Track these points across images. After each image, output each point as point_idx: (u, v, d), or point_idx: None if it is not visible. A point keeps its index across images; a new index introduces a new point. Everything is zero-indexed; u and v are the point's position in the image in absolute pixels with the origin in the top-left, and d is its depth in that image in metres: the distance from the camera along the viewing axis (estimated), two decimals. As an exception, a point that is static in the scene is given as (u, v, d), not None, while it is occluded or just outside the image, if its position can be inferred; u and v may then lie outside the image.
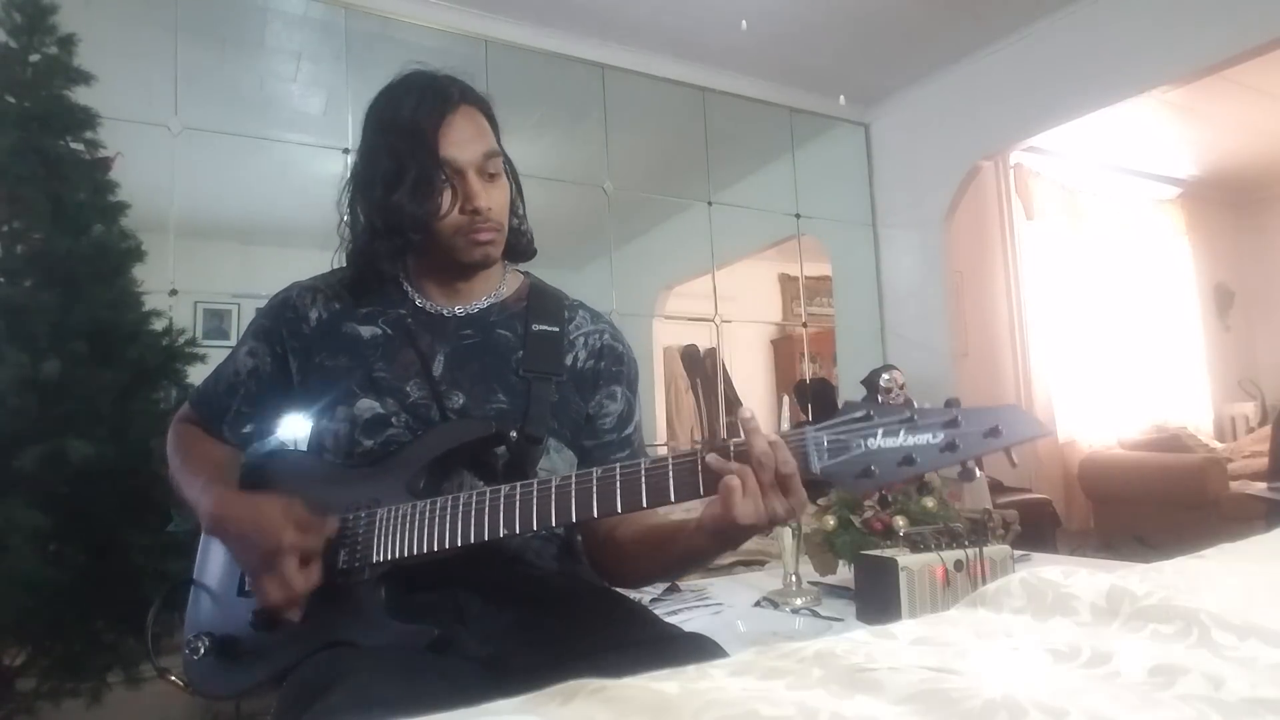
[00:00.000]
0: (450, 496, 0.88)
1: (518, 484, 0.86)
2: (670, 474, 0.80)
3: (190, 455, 1.04)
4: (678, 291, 5.00)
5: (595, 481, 0.82)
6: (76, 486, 1.74)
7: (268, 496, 0.92)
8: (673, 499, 0.80)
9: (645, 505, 0.80)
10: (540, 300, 1.08)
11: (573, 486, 0.83)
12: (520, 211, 1.09)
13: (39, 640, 1.82)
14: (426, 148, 0.94)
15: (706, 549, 0.89)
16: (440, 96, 0.97)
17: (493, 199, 0.98)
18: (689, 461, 0.80)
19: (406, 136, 0.95)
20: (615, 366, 1.07)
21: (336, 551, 0.90)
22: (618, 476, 0.81)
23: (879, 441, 0.75)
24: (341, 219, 1.03)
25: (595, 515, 0.83)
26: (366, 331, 1.01)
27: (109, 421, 1.82)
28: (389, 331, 1.01)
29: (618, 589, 1.03)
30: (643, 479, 0.81)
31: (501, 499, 0.85)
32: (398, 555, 0.87)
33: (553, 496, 0.83)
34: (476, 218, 0.96)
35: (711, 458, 0.78)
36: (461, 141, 0.96)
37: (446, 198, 0.95)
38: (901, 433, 0.75)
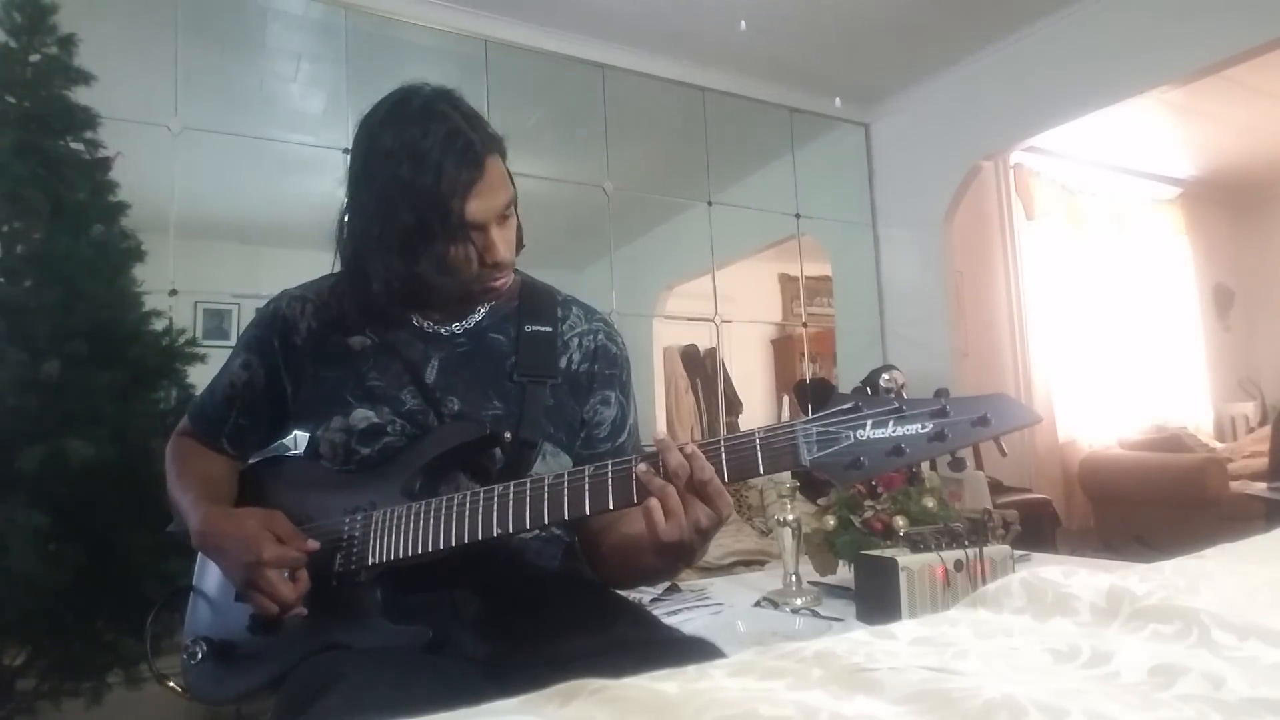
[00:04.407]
0: (444, 497, 0.88)
1: (510, 483, 0.86)
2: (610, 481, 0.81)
3: (184, 470, 1.04)
4: (678, 291, 5.00)
5: (586, 480, 0.83)
6: (76, 486, 1.73)
7: (250, 511, 0.92)
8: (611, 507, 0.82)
9: (611, 508, 0.82)
10: (532, 299, 1.07)
11: (565, 485, 0.83)
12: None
13: (39, 640, 1.82)
14: (455, 214, 0.89)
15: (659, 567, 0.90)
16: (470, 157, 0.90)
17: (508, 242, 0.96)
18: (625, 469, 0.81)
19: (433, 199, 0.88)
20: (609, 369, 1.06)
21: (332, 555, 0.90)
22: (610, 474, 0.82)
23: (868, 433, 0.75)
24: (336, 253, 0.98)
25: (587, 513, 0.83)
26: (357, 342, 1.01)
27: (109, 421, 1.82)
28: (379, 340, 1.01)
29: (617, 590, 1.02)
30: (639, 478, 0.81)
31: (495, 498, 0.85)
32: (392, 557, 0.87)
33: (545, 494, 0.83)
34: (495, 269, 0.96)
35: (641, 469, 0.80)
36: (487, 197, 0.92)
37: (470, 256, 0.93)
38: (890, 423, 0.75)
